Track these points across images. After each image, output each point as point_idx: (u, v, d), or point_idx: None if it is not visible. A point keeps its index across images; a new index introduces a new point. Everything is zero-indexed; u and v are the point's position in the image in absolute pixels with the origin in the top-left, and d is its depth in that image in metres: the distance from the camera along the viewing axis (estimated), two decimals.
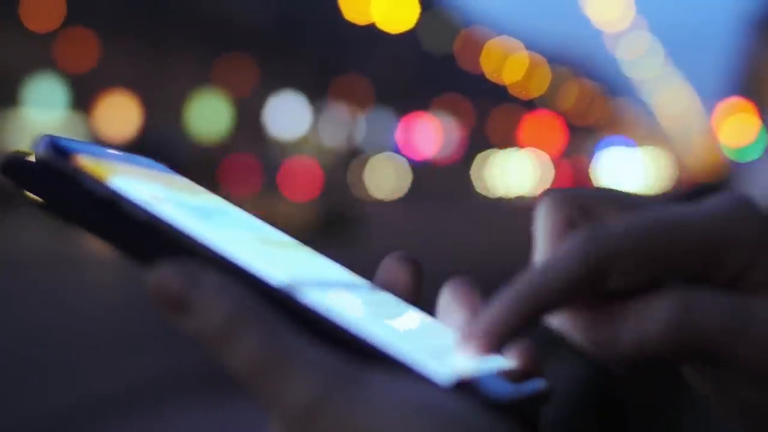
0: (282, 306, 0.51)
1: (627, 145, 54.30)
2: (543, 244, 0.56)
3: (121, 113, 28.72)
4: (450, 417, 0.46)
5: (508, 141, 51.38)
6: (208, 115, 32.11)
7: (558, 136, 55.53)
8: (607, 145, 51.48)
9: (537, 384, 0.54)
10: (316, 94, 37.34)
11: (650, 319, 0.52)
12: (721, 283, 0.54)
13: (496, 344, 0.53)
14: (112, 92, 28.90)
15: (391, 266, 0.58)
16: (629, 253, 0.53)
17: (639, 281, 0.53)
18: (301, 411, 0.47)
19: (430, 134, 43.50)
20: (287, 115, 35.66)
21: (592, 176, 45.29)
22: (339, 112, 39.07)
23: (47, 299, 9.33)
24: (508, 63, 54.01)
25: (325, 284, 0.55)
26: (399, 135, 42.01)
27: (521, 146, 51.66)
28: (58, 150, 0.54)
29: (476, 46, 50.69)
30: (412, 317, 0.57)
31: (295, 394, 0.47)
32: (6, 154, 0.55)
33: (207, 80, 32.81)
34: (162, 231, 0.53)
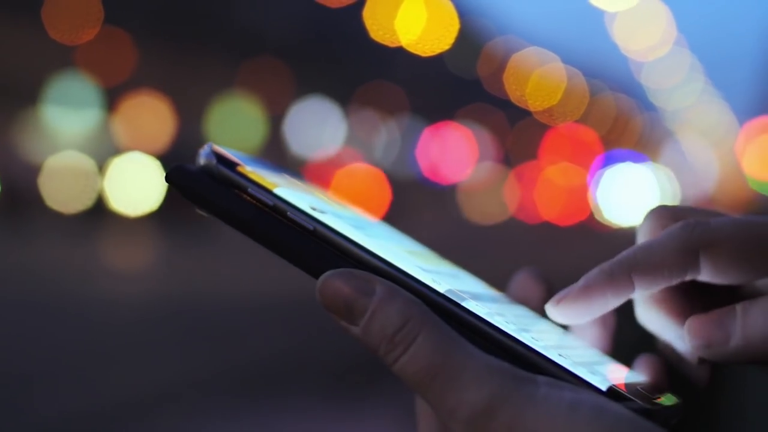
0: (445, 313, 0.51)
1: (637, 160, 46.69)
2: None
3: (150, 117, 28.88)
4: (619, 418, 0.47)
5: (530, 157, 50.81)
6: (239, 123, 32.27)
7: (589, 152, 53.29)
8: (614, 161, 41.90)
9: (669, 398, 0.55)
10: (344, 107, 37.47)
11: (759, 317, 0.53)
12: None
13: (588, 309, 0.54)
14: (141, 96, 29.06)
15: (525, 281, 0.61)
16: (724, 242, 0.54)
17: (733, 275, 0.54)
18: (476, 413, 0.47)
19: (462, 149, 41.01)
20: (316, 126, 35.74)
21: (591, 198, 36.58)
22: (367, 125, 39.02)
23: (67, 308, 9.39)
24: (534, 82, 53.38)
25: (474, 294, 0.55)
26: (424, 151, 40.61)
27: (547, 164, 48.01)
28: (221, 160, 0.56)
29: (502, 66, 49.96)
30: (551, 329, 0.58)
31: (470, 396, 0.47)
32: (171, 165, 0.57)
33: (238, 87, 33.01)
34: (329, 240, 0.53)
